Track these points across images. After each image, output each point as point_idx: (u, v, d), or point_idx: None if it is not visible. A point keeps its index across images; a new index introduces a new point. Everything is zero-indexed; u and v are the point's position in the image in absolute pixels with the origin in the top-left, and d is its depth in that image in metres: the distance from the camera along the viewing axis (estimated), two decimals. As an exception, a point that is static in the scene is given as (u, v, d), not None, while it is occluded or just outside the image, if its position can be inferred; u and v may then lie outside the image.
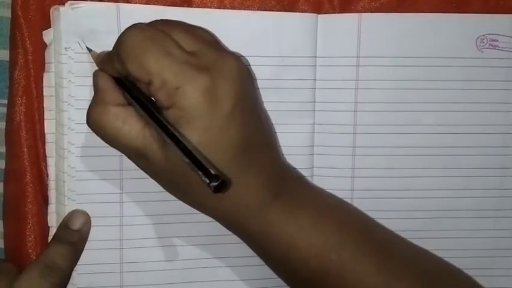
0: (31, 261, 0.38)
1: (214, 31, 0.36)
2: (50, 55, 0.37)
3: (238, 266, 0.40)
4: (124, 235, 0.39)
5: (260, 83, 0.38)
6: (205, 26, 0.37)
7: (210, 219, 0.35)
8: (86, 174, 0.38)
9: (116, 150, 0.34)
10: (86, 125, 0.34)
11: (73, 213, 0.38)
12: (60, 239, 0.37)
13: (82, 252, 0.38)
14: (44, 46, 0.37)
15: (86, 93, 0.36)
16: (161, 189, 0.35)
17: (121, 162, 0.38)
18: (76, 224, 0.37)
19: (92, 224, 0.38)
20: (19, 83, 0.38)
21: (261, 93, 0.38)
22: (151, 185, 0.35)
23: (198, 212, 0.35)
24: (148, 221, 0.39)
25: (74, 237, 0.37)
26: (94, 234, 0.38)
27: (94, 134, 0.34)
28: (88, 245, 0.38)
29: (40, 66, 0.38)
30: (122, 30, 0.32)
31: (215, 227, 0.36)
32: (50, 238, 0.38)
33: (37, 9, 0.37)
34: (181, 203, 0.34)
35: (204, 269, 0.40)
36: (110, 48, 0.33)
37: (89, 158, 0.38)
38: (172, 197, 0.34)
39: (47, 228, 0.39)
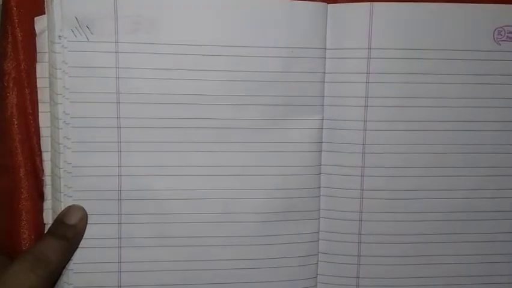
0: (24, 256, 0.38)
1: (222, 17, 0.35)
2: (42, 44, 0.36)
3: (238, 269, 0.39)
4: (122, 233, 0.38)
5: (268, 76, 0.37)
6: (212, 12, 0.35)
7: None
8: (83, 170, 0.37)
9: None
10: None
11: (70, 208, 0.37)
12: (54, 233, 0.36)
13: (76, 248, 0.37)
14: (35, 34, 0.36)
15: (81, 85, 0.35)
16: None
17: (119, 158, 0.37)
18: (72, 219, 0.37)
19: (89, 222, 0.37)
20: (9, 74, 0.37)
21: (268, 86, 0.37)
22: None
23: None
24: (147, 219, 0.38)
25: (69, 232, 0.36)
26: (91, 232, 0.37)
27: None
28: (85, 243, 0.37)
29: (31, 56, 0.37)
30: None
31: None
32: (45, 235, 0.38)
33: (30, -6, 0.36)
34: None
35: (204, 271, 0.39)
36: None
37: (86, 154, 0.37)
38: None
39: (42, 225, 0.38)
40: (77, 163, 0.37)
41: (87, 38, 0.35)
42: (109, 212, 0.37)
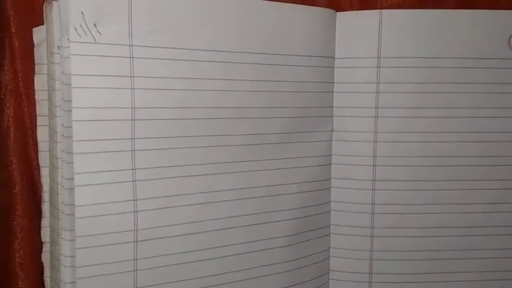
0: (18, 278, 0.37)
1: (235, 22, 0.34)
2: (40, 55, 0.36)
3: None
4: (138, 281, 0.34)
5: (277, 85, 0.36)
6: (226, 17, 0.34)
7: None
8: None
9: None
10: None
11: None
12: None
13: None
14: (33, 45, 0.36)
15: (81, 97, 0.33)
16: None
17: (134, 189, 0.34)
18: None
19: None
20: (6, 85, 0.36)
21: (277, 97, 0.36)
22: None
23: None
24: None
25: None
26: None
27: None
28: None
29: (29, 68, 0.36)
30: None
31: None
32: (43, 254, 0.37)
33: (28, 3, 0.36)
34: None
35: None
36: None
37: None
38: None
39: (40, 244, 0.37)
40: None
41: (94, 39, 0.31)
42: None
